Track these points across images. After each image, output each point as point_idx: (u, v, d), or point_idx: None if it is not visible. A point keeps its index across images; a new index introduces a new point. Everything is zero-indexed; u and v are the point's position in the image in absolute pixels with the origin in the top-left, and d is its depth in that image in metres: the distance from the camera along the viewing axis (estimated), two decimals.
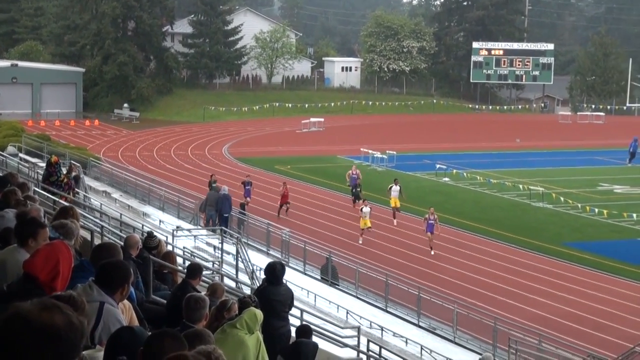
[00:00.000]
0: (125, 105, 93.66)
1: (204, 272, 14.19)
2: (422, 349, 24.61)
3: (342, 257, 34.22)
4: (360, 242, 39.08)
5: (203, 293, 10.09)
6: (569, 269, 36.58)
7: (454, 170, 58.57)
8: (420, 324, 28.64)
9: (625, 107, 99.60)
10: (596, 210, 46.15)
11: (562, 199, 49.34)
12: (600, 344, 27.36)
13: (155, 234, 16.04)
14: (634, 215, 44.98)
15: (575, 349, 25.17)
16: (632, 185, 57.01)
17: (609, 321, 30.12)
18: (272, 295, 13.20)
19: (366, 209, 39.30)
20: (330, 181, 56.63)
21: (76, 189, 29.38)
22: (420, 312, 29.03)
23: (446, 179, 58.10)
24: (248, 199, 43.50)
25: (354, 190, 46.51)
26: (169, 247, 20.73)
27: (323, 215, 45.13)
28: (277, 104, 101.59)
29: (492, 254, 38.08)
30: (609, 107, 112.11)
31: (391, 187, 44.46)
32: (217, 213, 37.51)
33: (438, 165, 59.95)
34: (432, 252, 37.45)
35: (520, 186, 53.42)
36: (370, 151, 64.83)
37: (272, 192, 48.23)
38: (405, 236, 41.30)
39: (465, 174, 57.32)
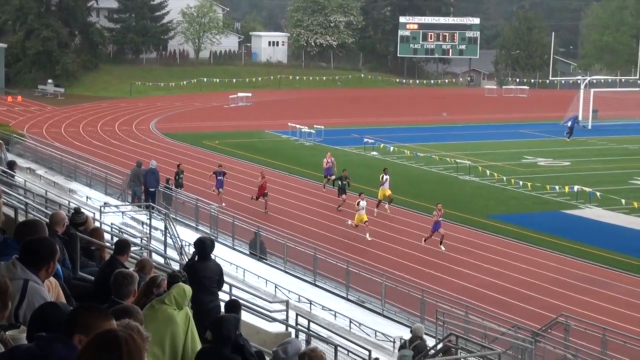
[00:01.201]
0: (50, 81, 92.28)
1: (132, 249, 14.12)
2: (350, 322, 24.75)
3: (270, 232, 34.22)
4: (369, 238, 36.21)
5: (131, 269, 10.02)
6: (494, 241, 37.05)
7: (382, 145, 58.85)
8: (349, 297, 28.79)
9: (548, 81, 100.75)
10: (521, 182, 46.74)
11: (488, 172, 49.89)
12: (524, 315, 27.76)
13: (82, 210, 15.87)
14: (557, 187, 45.67)
15: (500, 320, 25.50)
16: (555, 158, 57.87)
17: (533, 292, 30.58)
18: (201, 270, 13.18)
19: (363, 203, 36.61)
20: (258, 156, 56.55)
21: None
22: (348, 286, 29.18)
23: (374, 153, 58.37)
24: (220, 189, 41.13)
25: (340, 183, 42.35)
26: (97, 224, 20.54)
27: (254, 191, 45.00)
28: (204, 79, 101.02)
29: (419, 227, 38.35)
30: (532, 80, 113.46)
31: (382, 176, 41.51)
32: (142, 188, 37.30)
33: (366, 140, 60.17)
34: (443, 248, 35.14)
35: (448, 159, 53.90)
36: (298, 126, 64.82)
37: (205, 169, 47.92)
38: (332, 210, 41.45)
39: (392, 148, 57.61)
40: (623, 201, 42.85)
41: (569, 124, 65.81)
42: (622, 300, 29.73)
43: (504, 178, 48.75)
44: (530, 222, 40.21)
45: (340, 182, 42.32)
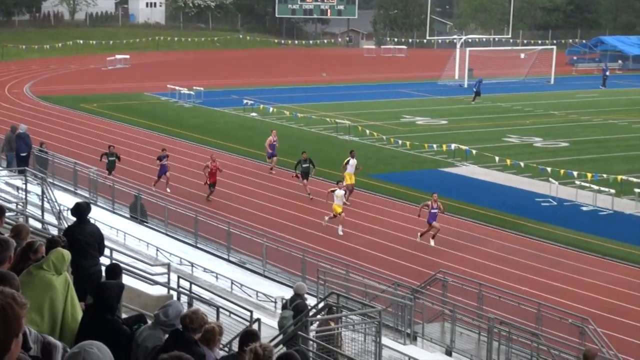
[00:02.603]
0: None
1: (7, 214, 13.87)
2: (232, 283, 24.82)
3: (150, 195, 33.96)
4: (341, 232, 32.60)
5: (6, 235, 9.86)
6: (373, 200, 37.49)
7: (261, 106, 58.81)
8: (230, 258, 28.84)
9: (425, 41, 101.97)
10: (400, 142, 47.32)
11: (367, 131, 50.36)
12: (404, 272, 28.24)
13: None
14: (434, 146, 46.41)
15: (381, 278, 25.87)
16: (433, 117, 58.73)
17: (413, 250, 31.11)
18: (80, 234, 13.04)
19: (340, 192, 33.13)
20: (138, 119, 55.94)
21: None
22: (230, 247, 29.22)
23: (254, 114, 58.32)
24: (168, 173, 37.58)
25: (302, 166, 38.08)
26: None
27: (139, 155, 44.52)
28: (80, 42, 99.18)
29: (300, 187, 38.55)
30: (410, 40, 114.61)
31: (348, 161, 37.72)
32: (14, 153, 36.49)
33: (245, 101, 60.02)
34: (432, 243, 31.64)
35: (327, 119, 54.19)
36: (177, 87, 64.28)
37: (80, 132, 47.11)
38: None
39: (272, 108, 57.62)
40: (497, 158, 43.82)
41: (475, 87, 66.29)
42: (497, 256, 30.49)
43: (384, 137, 49.30)
44: (409, 180, 40.81)
45: (302, 166, 38.04)
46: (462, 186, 40.21)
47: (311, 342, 16.16)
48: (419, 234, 31.94)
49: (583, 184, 38.36)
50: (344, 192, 33.65)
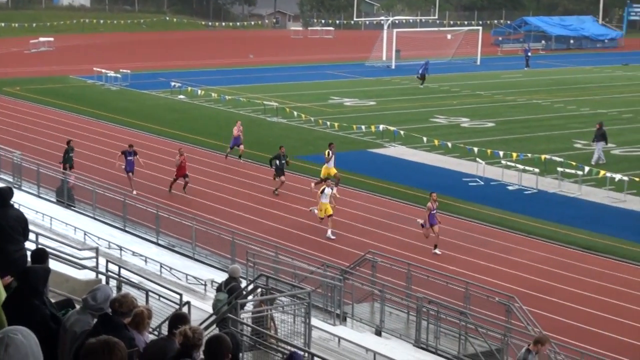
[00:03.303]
0: None
1: None
2: (161, 266, 24.70)
3: (79, 180, 33.58)
4: (332, 236, 30.44)
5: None
6: (302, 181, 37.52)
7: (189, 88, 58.49)
8: (160, 242, 28.69)
9: (352, 22, 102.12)
10: (328, 123, 47.42)
11: (295, 113, 50.36)
12: (334, 253, 28.36)
13: None
14: (363, 127, 46.58)
15: (310, 259, 25.96)
16: (361, 98, 58.91)
17: (342, 230, 31.22)
18: (3, 219, 12.86)
19: (328, 190, 30.88)
20: (64, 102, 55.26)
21: None
22: (159, 231, 29.06)
23: (181, 96, 57.98)
24: (130, 173, 35.05)
25: (278, 162, 35.78)
26: None
27: (64, 140, 43.98)
28: (2, 24, 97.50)
29: (229, 170, 38.45)
30: (337, 21, 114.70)
31: (329, 153, 35.97)
32: None
33: (173, 83, 59.62)
34: (438, 251, 29.09)
35: (255, 101, 54.07)
36: (103, 70, 63.60)
37: (3, 115, 46.38)
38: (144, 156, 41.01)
39: (200, 91, 57.32)
40: (425, 139, 44.15)
41: (420, 70, 66.16)
42: (423, 236, 30.73)
43: (312, 119, 49.35)
44: (338, 161, 40.75)
45: (277, 162, 35.75)
46: (390, 167, 40.43)
47: (245, 325, 16.15)
48: (434, 248, 29.07)
49: (509, 163, 38.85)
50: (331, 189, 31.28)
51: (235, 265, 20.60)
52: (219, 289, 19.19)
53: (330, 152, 35.94)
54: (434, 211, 29.38)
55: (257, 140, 45.01)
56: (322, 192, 30.91)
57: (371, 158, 42.40)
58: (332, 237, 30.34)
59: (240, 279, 19.69)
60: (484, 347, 20.49)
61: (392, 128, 45.75)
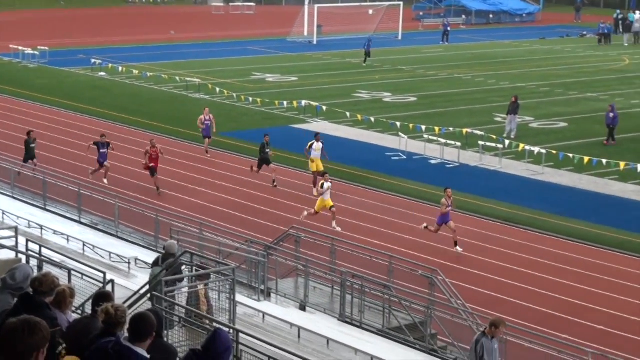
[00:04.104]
0: None
1: None
2: (84, 245, 24.47)
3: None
4: (338, 228, 28.93)
5: None
6: (225, 158, 37.42)
7: (110, 65, 57.76)
8: (82, 220, 28.40)
9: None
10: (250, 99, 47.26)
11: (217, 89, 50.10)
12: (257, 229, 28.35)
13: None
14: (285, 103, 46.53)
15: (234, 236, 25.93)
16: (283, 74, 58.81)
17: (266, 207, 31.23)
18: None
19: (327, 185, 29.39)
20: None
21: None
22: (81, 209, 28.76)
23: (102, 73, 57.26)
24: (106, 163, 33.41)
25: (263, 152, 33.96)
26: None
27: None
28: None
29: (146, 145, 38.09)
30: None
31: (311, 144, 33.76)
32: None
33: (93, 60, 58.83)
34: (460, 249, 27.47)
35: (177, 78, 53.66)
36: (20, 48, 62.46)
37: None
38: (64, 133, 40.51)
39: (121, 68, 56.67)
40: (348, 114, 44.30)
41: (365, 47, 65.53)
42: (349, 211, 30.90)
43: (234, 95, 49.14)
44: (261, 137, 40.72)
45: (264, 151, 33.91)
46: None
47: (169, 302, 16.07)
48: (458, 246, 27.45)
49: (431, 137, 39.18)
50: (330, 184, 29.66)
51: (172, 241, 20.47)
52: (155, 264, 19.11)
53: (316, 143, 33.51)
54: (449, 208, 27.41)
55: (180, 116, 44.73)
56: (321, 186, 29.57)
57: (294, 134, 42.38)
58: (338, 229, 28.65)
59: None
60: (408, 320, 20.70)
61: (314, 103, 45.78)
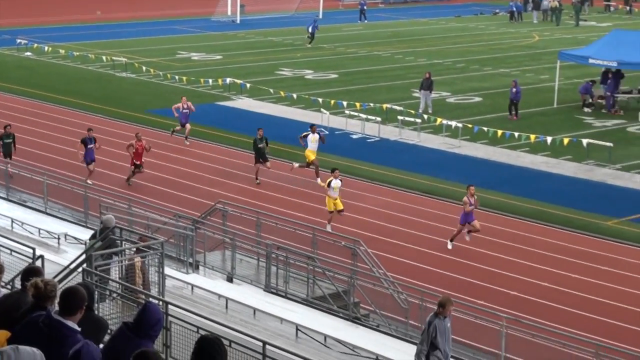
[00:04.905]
0: None
1: None
2: (12, 221, 24.10)
3: None
4: (329, 229, 26.30)
5: None
6: (153, 135, 37.10)
7: (35, 45, 56.81)
8: (10, 198, 27.96)
9: None
10: (177, 77, 46.91)
11: (144, 68, 49.60)
12: (185, 204, 28.23)
13: None
14: (210, 80, 46.26)
15: (162, 210, 25.79)
16: (208, 52, 58.44)
17: (193, 182, 31.09)
18: None
19: (336, 182, 26.78)
20: None
21: None
22: (9, 187, 28.32)
23: (28, 53, 56.32)
24: (91, 165, 30.64)
25: (258, 147, 31.22)
26: None
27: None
28: None
29: (75, 124, 37.60)
30: None
31: (307, 135, 31.71)
32: None
33: (19, 40, 57.81)
34: (468, 238, 25.86)
35: (104, 57, 53.00)
36: None
37: None
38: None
39: (47, 47, 55.79)
40: (271, 90, 44.27)
41: (310, 29, 64.80)
42: (273, 185, 30.92)
43: (160, 73, 48.73)
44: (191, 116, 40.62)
45: (257, 145, 31.24)
46: (237, 119, 40.36)
47: (97, 275, 15.93)
48: (449, 239, 25.75)
49: (352, 113, 39.29)
50: (340, 182, 27.18)
51: (109, 215, 20.20)
52: (92, 237, 18.92)
53: (312, 134, 31.40)
54: (472, 207, 25.31)
55: (107, 95, 44.30)
56: (329, 185, 26.74)
57: (219, 110, 42.22)
58: (329, 230, 26.15)
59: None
60: (332, 289, 20.83)
61: (238, 81, 45.63)
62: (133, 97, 44.71)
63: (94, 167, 30.56)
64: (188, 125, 35.67)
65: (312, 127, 32.12)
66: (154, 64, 52.22)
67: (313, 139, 31.46)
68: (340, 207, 26.84)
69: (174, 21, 74.19)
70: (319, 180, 30.13)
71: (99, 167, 31.52)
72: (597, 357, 17.08)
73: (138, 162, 30.71)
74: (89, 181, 29.79)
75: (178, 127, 35.92)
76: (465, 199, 25.43)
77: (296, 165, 31.24)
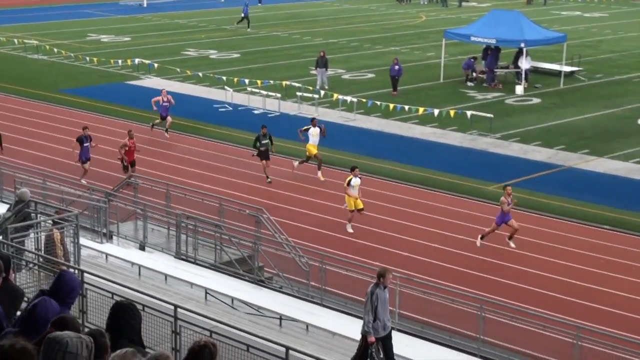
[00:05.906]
0: None
1: None
2: None
3: None
4: (350, 229, 24.63)
5: None
6: (66, 113, 36.52)
7: None
8: None
9: None
10: (87, 58, 46.15)
11: (55, 50, 48.63)
12: (98, 178, 27.88)
13: None
14: (119, 61, 45.62)
15: (76, 185, 25.45)
16: (117, 35, 57.55)
17: (105, 157, 30.69)
18: None
19: (356, 180, 24.71)
20: None
21: None
22: None
23: None
24: (87, 164, 28.22)
25: (259, 143, 28.71)
26: None
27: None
28: None
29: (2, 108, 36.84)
30: None
31: (307, 128, 29.59)
32: None
33: None
34: (513, 245, 23.69)
35: (15, 40, 51.79)
36: None
37: None
38: None
39: None
40: (178, 70, 43.92)
41: (243, 13, 63.41)
42: (182, 159, 30.75)
43: (72, 55, 47.87)
44: (98, 94, 40.12)
45: (260, 142, 28.68)
46: (146, 97, 39.78)
47: (30, 247, 15.72)
48: (479, 236, 23.90)
49: (254, 90, 39.23)
50: (359, 180, 24.97)
51: (24, 189, 19.79)
52: (9, 210, 18.58)
53: (313, 128, 29.43)
54: (510, 206, 23.40)
55: (19, 76, 43.37)
56: (349, 183, 24.69)
57: (129, 89, 41.72)
58: (351, 231, 24.61)
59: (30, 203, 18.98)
60: (237, 255, 20.92)
61: (146, 61, 45.10)
62: (45, 77, 43.84)
63: (88, 166, 28.18)
64: (169, 118, 33.44)
65: (313, 121, 29.84)
66: (65, 46, 51.25)
67: (314, 132, 29.31)
68: (361, 206, 24.84)
69: (83, 5, 72.81)
70: (319, 174, 28.88)
71: (13, 143, 30.88)
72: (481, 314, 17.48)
73: (131, 160, 28.03)
74: (83, 180, 27.35)
75: (157, 120, 33.82)
76: (502, 199, 23.42)
77: (296, 164, 29.27)
